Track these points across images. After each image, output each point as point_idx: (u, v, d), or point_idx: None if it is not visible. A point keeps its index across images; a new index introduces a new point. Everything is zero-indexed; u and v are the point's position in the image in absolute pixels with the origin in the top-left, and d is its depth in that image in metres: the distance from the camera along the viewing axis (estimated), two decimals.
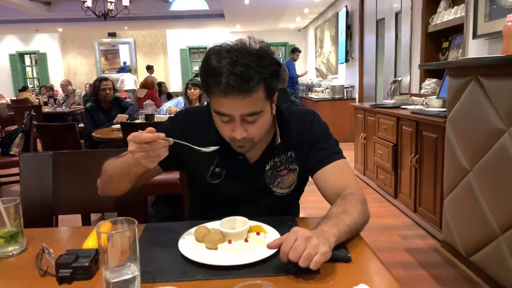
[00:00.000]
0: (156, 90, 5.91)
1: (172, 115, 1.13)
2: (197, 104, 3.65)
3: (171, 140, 0.86)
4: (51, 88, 8.70)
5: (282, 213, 1.11)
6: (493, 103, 1.85)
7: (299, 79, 8.02)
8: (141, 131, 0.84)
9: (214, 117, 0.98)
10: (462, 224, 2.15)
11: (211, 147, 0.93)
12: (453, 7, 3.30)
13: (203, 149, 0.92)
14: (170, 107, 3.74)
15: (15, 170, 3.74)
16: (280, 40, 12.02)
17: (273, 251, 0.80)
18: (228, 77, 0.87)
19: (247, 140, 0.96)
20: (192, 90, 3.68)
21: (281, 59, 12.29)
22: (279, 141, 1.06)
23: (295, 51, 7.57)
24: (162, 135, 0.84)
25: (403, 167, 3.08)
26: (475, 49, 2.90)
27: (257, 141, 1.00)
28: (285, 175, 1.08)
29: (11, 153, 3.48)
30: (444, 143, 2.32)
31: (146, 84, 5.62)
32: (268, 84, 0.92)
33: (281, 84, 3.03)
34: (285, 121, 1.07)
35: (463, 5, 3.02)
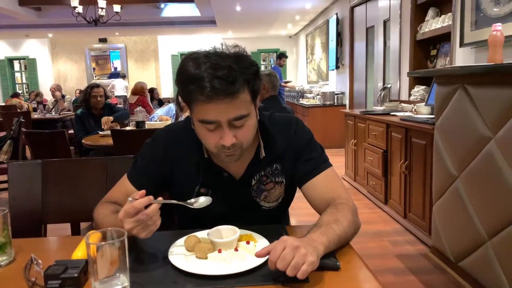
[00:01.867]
0: (147, 96, 5.87)
1: (148, 141, 1.09)
2: (188, 111, 3.64)
3: (161, 199, 0.85)
4: (38, 94, 8.61)
5: (271, 224, 1.10)
6: (479, 111, 1.88)
7: (287, 85, 7.96)
8: (130, 199, 0.82)
9: (197, 128, 0.94)
10: (451, 230, 2.17)
11: (201, 199, 0.93)
12: (440, 16, 3.36)
13: (195, 206, 0.92)
14: (161, 115, 3.73)
15: (3, 177, 3.69)
16: (271, 47, 12.10)
17: (263, 260, 0.80)
18: (212, 81, 0.83)
19: (237, 146, 0.93)
20: None
21: (272, 66, 12.35)
22: (264, 155, 1.04)
23: (281, 56, 7.30)
24: (151, 197, 0.82)
25: (393, 173, 3.11)
26: (462, 57, 2.95)
27: (246, 148, 0.96)
28: (272, 189, 1.07)
29: None
30: (432, 150, 2.35)
31: (136, 90, 5.56)
32: (252, 85, 0.90)
33: (273, 90, 3.05)
34: (268, 133, 1.05)
35: (450, 14, 3.08)
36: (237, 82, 0.85)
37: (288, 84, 8.35)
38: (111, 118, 3.49)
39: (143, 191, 0.84)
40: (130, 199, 0.82)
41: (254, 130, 0.97)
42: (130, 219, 0.80)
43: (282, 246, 0.74)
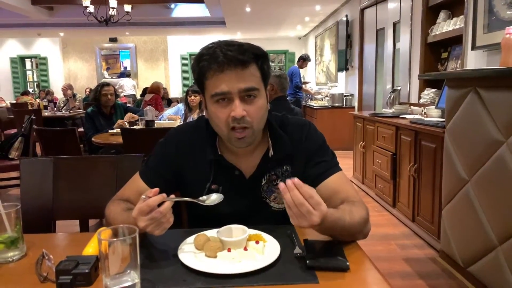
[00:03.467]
0: (161, 95, 6.06)
1: (161, 140, 1.12)
2: (197, 111, 3.66)
3: (173, 197, 0.87)
4: (49, 92, 8.71)
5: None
6: (491, 115, 1.86)
7: (306, 88, 7.82)
8: (143, 196, 0.83)
9: (210, 108, 0.98)
10: (460, 234, 2.15)
11: (213, 196, 0.94)
12: (452, 18, 3.33)
13: (207, 203, 0.93)
14: (170, 115, 3.75)
15: (14, 174, 3.74)
16: (280, 48, 12.09)
17: (272, 260, 0.81)
18: (224, 52, 0.91)
19: (248, 123, 0.95)
20: (193, 97, 3.69)
21: (282, 67, 12.34)
22: (272, 154, 1.05)
23: (305, 59, 7.11)
24: (164, 195, 0.83)
25: (401, 176, 3.09)
26: (473, 60, 2.92)
27: (256, 129, 0.99)
28: None
29: (10, 157, 3.48)
30: (442, 153, 2.33)
31: (152, 89, 5.85)
32: (262, 63, 0.97)
33: (282, 91, 3.04)
34: (277, 133, 1.07)
35: (462, 16, 3.05)
36: (248, 53, 0.93)
37: (306, 87, 8.17)
38: (136, 116, 3.58)
39: (157, 189, 0.85)
40: (143, 197, 0.83)
41: (263, 112, 0.99)
42: (144, 217, 0.81)
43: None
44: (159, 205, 0.82)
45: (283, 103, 3.01)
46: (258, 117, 0.98)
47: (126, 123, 3.50)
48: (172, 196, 0.86)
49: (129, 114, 3.61)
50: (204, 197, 0.94)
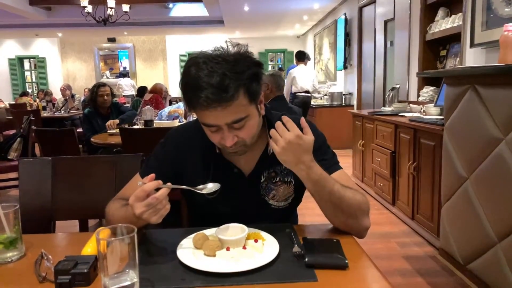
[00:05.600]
0: (163, 97, 6.05)
1: (161, 140, 1.13)
2: None
3: (170, 184, 0.87)
4: (47, 93, 8.70)
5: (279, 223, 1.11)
6: (490, 112, 1.86)
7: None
8: (139, 183, 0.84)
9: (203, 126, 0.99)
10: (460, 232, 2.15)
11: (210, 185, 0.95)
12: (450, 16, 3.33)
13: (204, 191, 0.94)
14: (174, 109, 3.69)
15: (13, 174, 3.73)
16: (279, 47, 12.09)
17: (271, 258, 0.81)
18: (207, 90, 0.87)
19: (240, 144, 0.97)
20: None
21: (280, 66, 12.32)
22: (271, 151, 1.05)
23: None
24: (160, 182, 0.84)
25: (401, 174, 3.09)
26: (472, 57, 2.92)
27: (250, 143, 0.99)
28: (280, 187, 1.08)
29: (9, 157, 3.48)
30: (441, 151, 2.33)
31: (155, 89, 5.79)
32: (248, 88, 0.92)
33: (278, 91, 3.05)
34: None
35: (460, 14, 3.05)
36: (230, 89, 0.87)
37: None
38: (116, 121, 3.48)
39: (153, 175, 0.86)
40: (139, 183, 0.84)
41: (255, 129, 0.99)
42: (140, 203, 0.82)
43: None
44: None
45: (281, 102, 3.01)
46: (249, 135, 0.98)
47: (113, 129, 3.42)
48: (169, 183, 0.87)
49: (109, 122, 3.45)
50: (201, 186, 0.95)
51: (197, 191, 0.93)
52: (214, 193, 1.05)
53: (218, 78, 0.87)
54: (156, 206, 0.83)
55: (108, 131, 3.36)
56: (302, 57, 6.33)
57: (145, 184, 0.83)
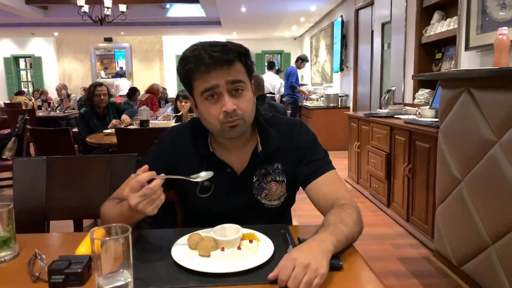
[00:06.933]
0: (159, 97, 6.06)
1: (155, 141, 1.15)
2: (187, 116, 3.62)
3: (163, 175, 0.87)
4: (43, 92, 8.66)
5: (273, 224, 1.10)
6: (484, 115, 1.87)
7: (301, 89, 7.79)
8: (133, 175, 0.85)
9: (201, 106, 1.01)
10: (454, 233, 2.16)
11: (203, 173, 0.95)
12: (446, 19, 3.35)
13: (197, 179, 0.94)
14: (166, 113, 3.74)
15: (7, 174, 3.71)
16: (276, 48, 12.10)
17: (266, 259, 0.81)
18: (209, 54, 0.94)
19: (239, 115, 0.98)
20: (183, 103, 3.63)
21: (277, 67, 12.32)
22: (261, 149, 1.07)
23: (303, 60, 7.20)
24: (154, 173, 0.85)
25: (396, 176, 3.10)
26: (467, 61, 2.94)
27: (248, 121, 1.02)
28: (272, 186, 1.09)
29: (3, 157, 3.45)
30: (436, 153, 2.34)
31: (152, 90, 5.80)
32: (245, 60, 1.01)
33: (259, 90, 3.08)
34: (265, 129, 1.09)
35: (456, 17, 3.07)
36: (232, 52, 0.97)
37: (301, 89, 8.08)
38: (127, 117, 3.52)
39: (146, 166, 0.86)
40: (133, 175, 0.85)
41: (252, 105, 1.03)
42: (135, 194, 0.83)
43: (291, 264, 0.73)
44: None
45: (262, 102, 3.05)
46: (248, 109, 1.01)
47: (122, 125, 3.46)
48: (162, 175, 0.87)
49: (126, 119, 3.53)
50: (194, 175, 0.95)
51: (191, 179, 0.94)
52: (207, 191, 1.05)
53: (219, 46, 0.96)
54: (151, 196, 0.83)
55: (105, 130, 3.35)
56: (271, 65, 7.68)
57: (139, 176, 0.84)
